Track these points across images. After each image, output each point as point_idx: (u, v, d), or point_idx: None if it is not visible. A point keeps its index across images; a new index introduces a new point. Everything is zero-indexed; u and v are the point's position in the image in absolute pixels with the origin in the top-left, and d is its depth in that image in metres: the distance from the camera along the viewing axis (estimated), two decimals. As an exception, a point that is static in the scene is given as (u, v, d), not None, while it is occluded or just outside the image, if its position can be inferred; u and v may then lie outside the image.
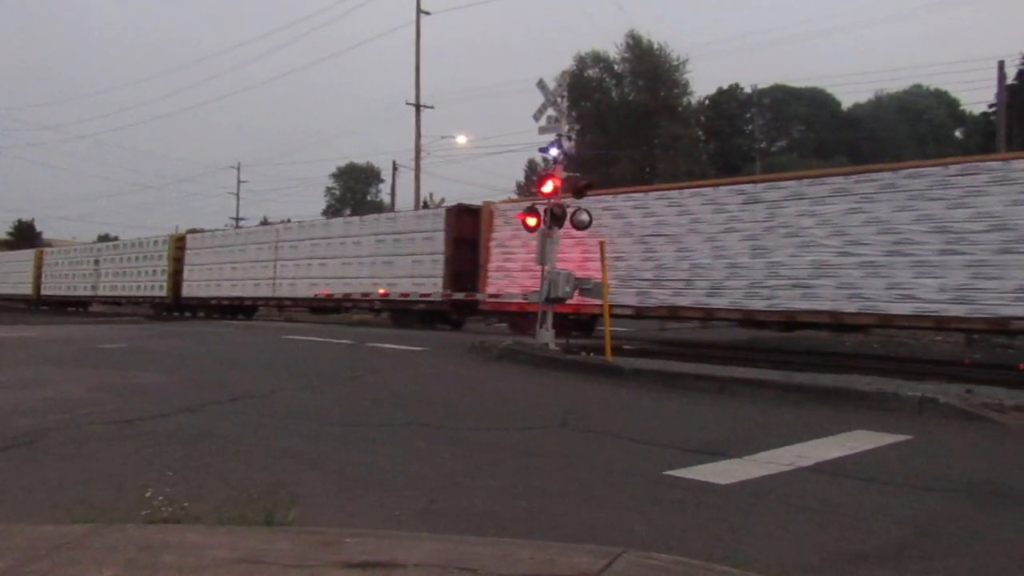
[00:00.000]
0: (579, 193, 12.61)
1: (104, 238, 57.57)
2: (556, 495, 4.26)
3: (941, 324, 12.64)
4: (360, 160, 74.91)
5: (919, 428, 6.38)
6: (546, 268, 12.06)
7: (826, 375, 8.94)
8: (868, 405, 7.27)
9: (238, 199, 61.09)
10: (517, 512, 3.92)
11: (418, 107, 34.76)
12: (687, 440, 5.83)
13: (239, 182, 61.30)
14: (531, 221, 12.22)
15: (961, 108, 52.78)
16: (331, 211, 70.29)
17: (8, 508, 3.83)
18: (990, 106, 37.72)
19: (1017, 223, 11.38)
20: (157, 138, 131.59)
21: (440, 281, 20.28)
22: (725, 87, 55.09)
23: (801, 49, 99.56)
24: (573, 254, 15.17)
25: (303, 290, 24.89)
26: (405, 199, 44.90)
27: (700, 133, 53.19)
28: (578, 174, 13.49)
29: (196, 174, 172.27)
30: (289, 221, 32.69)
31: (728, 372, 9.06)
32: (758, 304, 13.98)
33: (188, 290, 30.34)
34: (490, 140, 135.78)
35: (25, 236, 68.75)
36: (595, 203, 14.44)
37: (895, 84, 60.92)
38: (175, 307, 31.05)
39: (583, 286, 12.24)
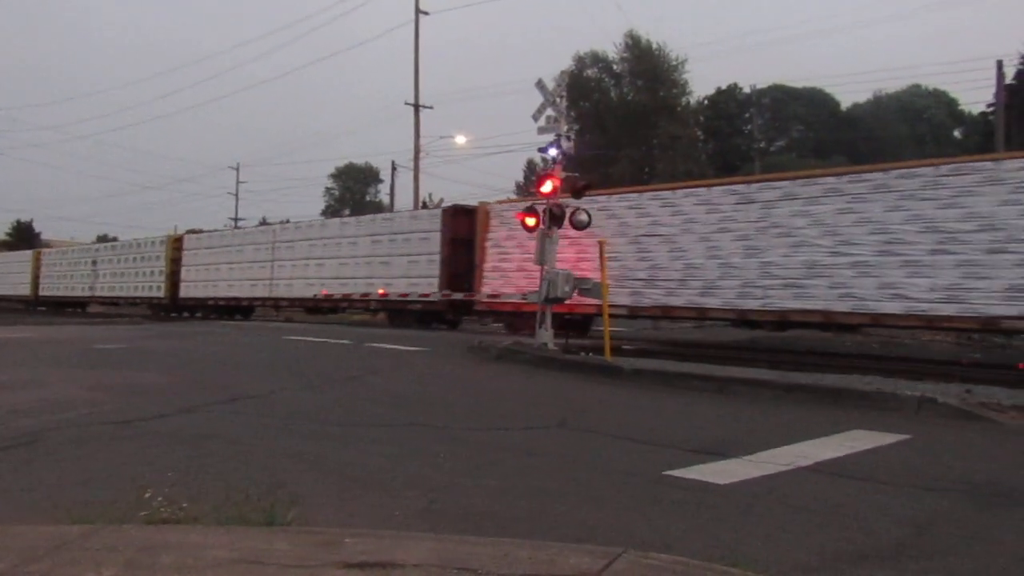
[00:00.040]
0: (578, 193, 12.61)
1: (103, 239, 57.63)
2: (556, 495, 4.26)
3: (932, 323, 12.71)
4: (359, 160, 75.08)
5: (918, 428, 6.39)
6: (545, 268, 12.07)
7: (826, 375, 8.96)
8: (867, 405, 7.28)
9: (237, 199, 61.19)
10: (517, 512, 3.92)
11: (417, 107, 34.79)
12: (687, 440, 5.83)
13: (238, 182, 61.42)
14: (530, 221, 12.24)
15: (960, 108, 52.92)
16: (330, 211, 70.33)
17: (8, 508, 3.83)
18: (989, 106, 37.78)
19: (1007, 223, 11.42)
20: (157, 138, 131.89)
21: (436, 281, 20.29)
22: (724, 87, 55.20)
23: (800, 49, 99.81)
24: (568, 254, 15.19)
25: (300, 290, 24.91)
26: (404, 199, 45.07)
27: (699, 133, 53.21)
28: (577, 174, 13.49)
29: (196, 174, 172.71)
30: (287, 221, 32.72)
31: (728, 372, 9.07)
32: (751, 304, 14.03)
33: (186, 291, 30.37)
34: (489, 140, 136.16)
35: (24, 237, 68.74)
36: (590, 203, 14.43)
37: (894, 84, 61.08)
38: (172, 308, 31.09)
39: (582, 286, 12.25)
